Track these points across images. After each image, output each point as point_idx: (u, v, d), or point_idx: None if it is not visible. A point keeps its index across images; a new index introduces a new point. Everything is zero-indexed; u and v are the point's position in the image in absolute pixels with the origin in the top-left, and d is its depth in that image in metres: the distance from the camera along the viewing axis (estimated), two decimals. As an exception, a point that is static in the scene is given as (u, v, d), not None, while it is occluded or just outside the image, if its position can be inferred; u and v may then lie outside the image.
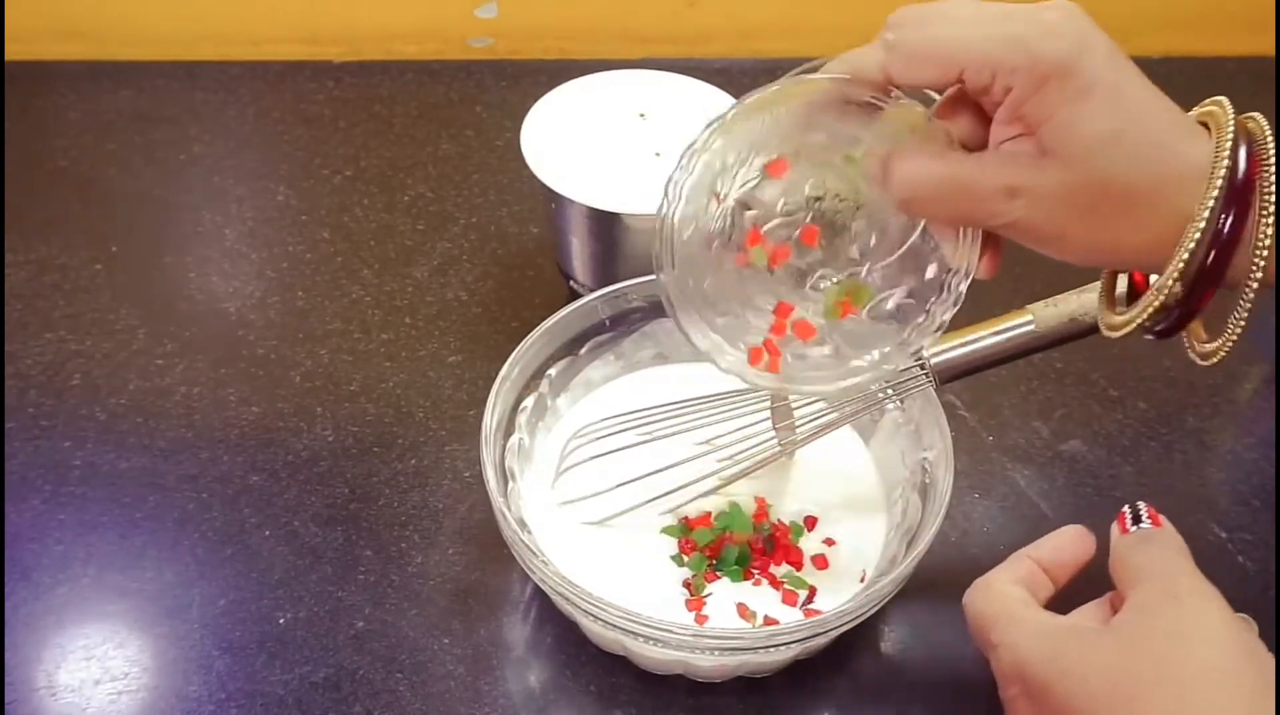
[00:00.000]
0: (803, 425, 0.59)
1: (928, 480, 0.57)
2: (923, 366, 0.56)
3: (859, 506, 0.60)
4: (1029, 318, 0.55)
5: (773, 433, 0.59)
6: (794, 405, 0.60)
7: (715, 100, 0.70)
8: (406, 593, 0.60)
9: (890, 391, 0.58)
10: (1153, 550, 0.44)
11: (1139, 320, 0.43)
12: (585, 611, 0.51)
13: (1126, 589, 0.43)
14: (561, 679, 0.57)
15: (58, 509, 0.63)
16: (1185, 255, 0.40)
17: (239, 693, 0.56)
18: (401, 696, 0.56)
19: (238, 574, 0.60)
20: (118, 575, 0.60)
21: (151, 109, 0.88)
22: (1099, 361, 0.73)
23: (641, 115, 0.69)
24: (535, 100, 0.70)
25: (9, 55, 0.90)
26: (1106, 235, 0.41)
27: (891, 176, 0.43)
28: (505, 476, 0.57)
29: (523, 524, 0.55)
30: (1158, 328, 0.43)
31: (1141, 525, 0.45)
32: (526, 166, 0.66)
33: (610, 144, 0.68)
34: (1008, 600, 0.46)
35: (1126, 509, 0.46)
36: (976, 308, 0.69)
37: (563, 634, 0.58)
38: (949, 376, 0.56)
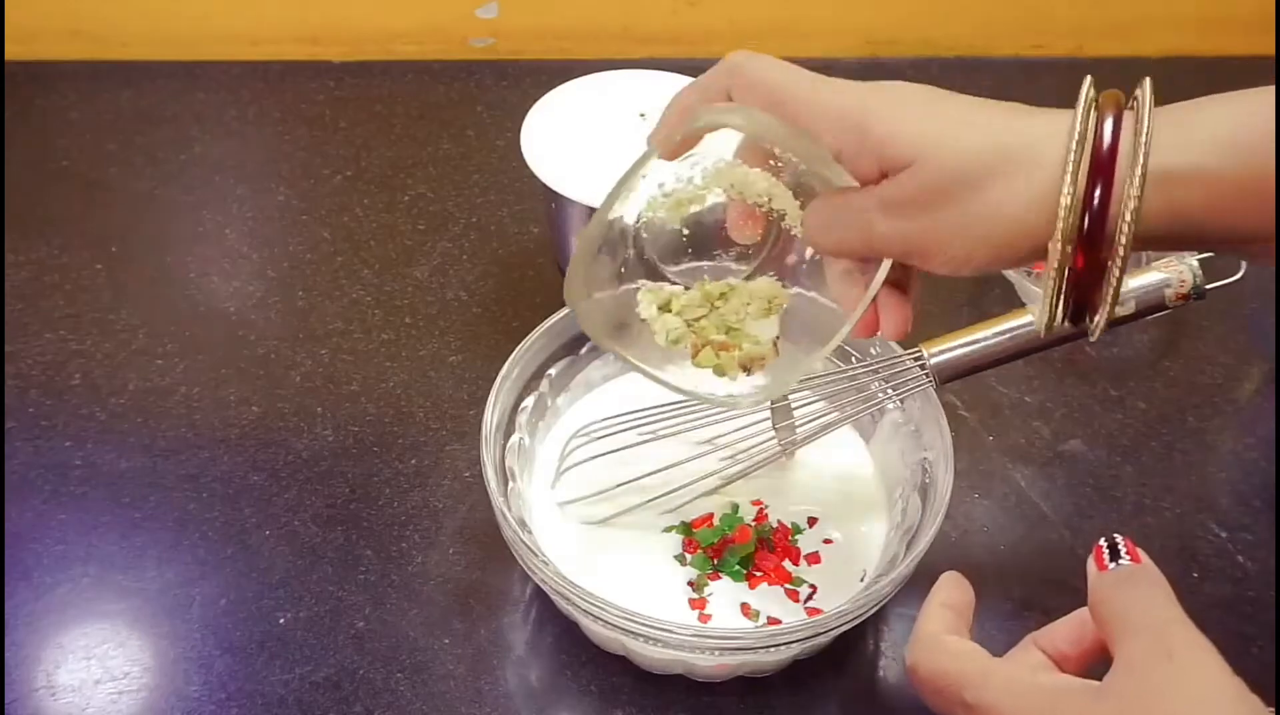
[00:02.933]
0: (803, 425, 0.59)
1: (928, 480, 0.57)
2: (922, 366, 0.56)
3: (859, 506, 0.60)
4: (1029, 318, 0.55)
5: (773, 433, 0.59)
6: (794, 405, 0.60)
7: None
8: (407, 593, 0.60)
9: (891, 391, 0.58)
10: (1138, 594, 0.40)
11: (1048, 297, 0.41)
12: (585, 611, 0.51)
13: (1112, 639, 0.40)
14: (561, 679, 0.57)
15: (58, 509, 0.63)
16: (1061, 221, 0.39)
17: (239, 693, 0.56)
18: (402, 696, 0.56)
19: (238, 574, 0.60)
20: (118, 575, 0.60)
21: (152, 109, 0.88)
22: (1099, 361, 0.73)
23: (641, 115, 0.69)
24: (535, 100, 0.70)
25: (9, 55, 0.90)
26: (976, 222, 0.40)
27: (805, 216, 0.46)
28: (505, 476, 0.57)
29: (523, 524, 0.55)
30: (1070, 313, 0.42)
31: (1120, 561, 0.41)
32: (526, 166, 0.66)
33: (610, 144, 0.68)
34: (972, 655, 0.43)
35: (1103, 542, 0.42)
36: (977, 308, 0.69)
37: (563, 634, 0.58)
38: (949, 376, 0.56)
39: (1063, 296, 0.41)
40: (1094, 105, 0.40)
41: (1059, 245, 0.39)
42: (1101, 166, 0.38)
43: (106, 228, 0.79)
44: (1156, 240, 0.40)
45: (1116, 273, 0.39)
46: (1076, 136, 0.39)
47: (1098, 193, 0.38)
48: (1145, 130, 0.38)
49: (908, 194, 0.41)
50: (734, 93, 0.45)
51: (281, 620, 0.58)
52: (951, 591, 0.47)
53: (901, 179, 0.41)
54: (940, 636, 0.44)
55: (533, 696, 0.57)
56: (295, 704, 0.55)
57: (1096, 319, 0.41)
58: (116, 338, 0.72)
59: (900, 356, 0.57)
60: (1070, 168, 0.38)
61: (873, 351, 0.61)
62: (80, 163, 0.84)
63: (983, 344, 0.55)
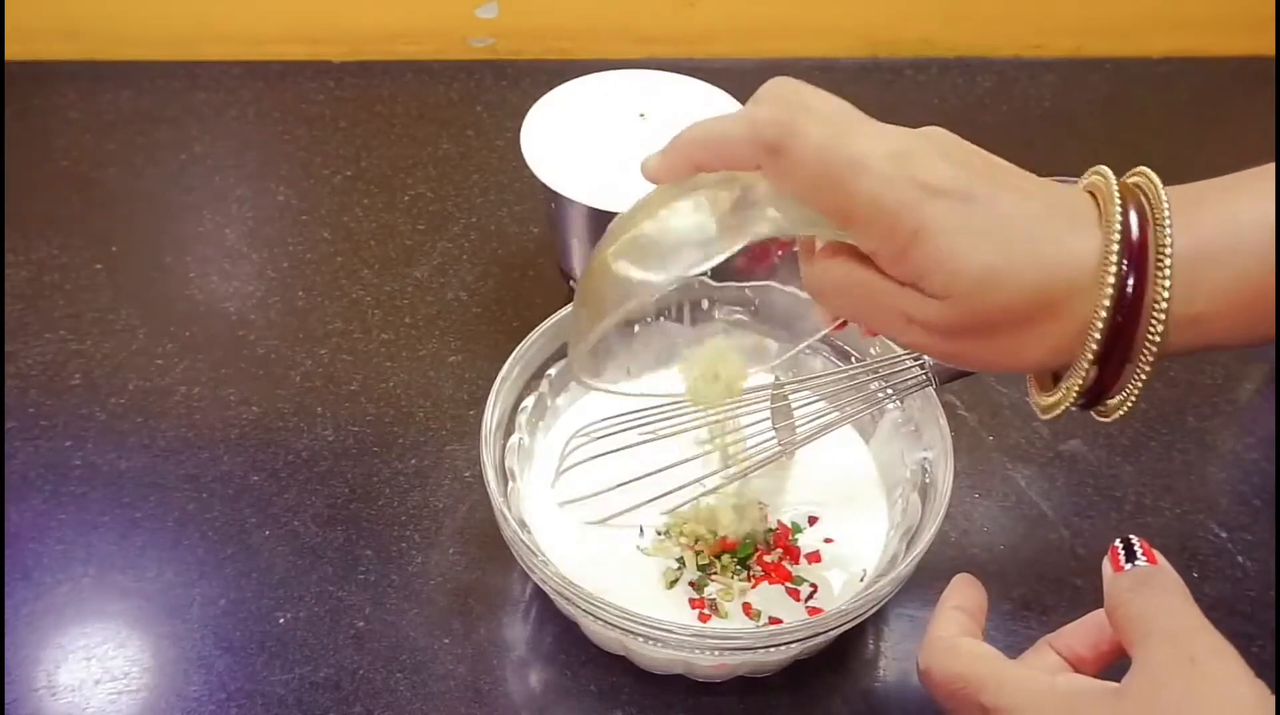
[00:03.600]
0: (803, 425, 0.59)
1: (928, 480, 0.57)
2: (922, 366, 0.56)
3: (859, 506, 0.60)
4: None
5: (773, 433, 0.59)
6: (794, 405, 0.60)
7: (715, 100, 0.70)
8: (407, 592, 0.60)
9: (890, 391, 0.58)
10: (1155, 596, 0.40)
11: (1065, 403, 0.42)
12: (585, 611, 0.51)
13: (1131, 642, 0.39)
14: (561, 679, 0.57)
15: (58, 508, 0.63)
16: (1096, 336, 0.39)
17: (239, 692, 0.56)
18: (401, 696, 0.56)
19: (238, 574, 0.60)
20: (118, 575, 0.60)
21: (152, 109, 0.88)
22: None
23: (641, 115, 0.69)
24: (535, 100, 0.70)
25: (9, 55, 0.90)
26: (1005, 356, 0.41)
27: (806, 265, 0.44)
28: (505, 476, 0.57)
29: (523, 524, 0.55)
30: (1083, 403, 0.42)
31: (1137, 562, 0.41)
32: (526, 166, 0.66)
33: (610, 144, 0.68)
34: (988, 658, 0.42)
35: (1119, 543, 0.42)
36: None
37: (563, 634, 0.58)
38: (949, 376, 0.56)
39: (1077, 397, 0.42)
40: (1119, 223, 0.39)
41: (1085, 367, 0.40)
42: (1128, 306, 0.39)
43: (106, 228, 0.79)
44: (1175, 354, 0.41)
45: (1143, 373, 0.40)
46: (1112, 280, 0.39)
47: (1129, 292, 0.39)
48: (1167, 275, 0.39)
49: (947, 322, 0.40)
50: (770, 168, 0.41)
51: (281, 620, 0.58)
52: (964, 594, 0.47)
53: (943, 308, 0.40)
54: (954, 639, 0.44)
55: (533, 696, 0.57)
56: (295, 704, 0.55)
57: (1115, 404, 0.42)
58: (116, 338, 0.72)
59: (900, 356, 0.57)
60: (1105, 309, 0.39)
61: (873, 351, 0.61)
62: (80, 163, 0.84)
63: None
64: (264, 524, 0.62)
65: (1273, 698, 0.37)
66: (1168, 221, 0.39)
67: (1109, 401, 0.42)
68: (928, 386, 0.56)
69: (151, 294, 0.75)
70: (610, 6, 0.94)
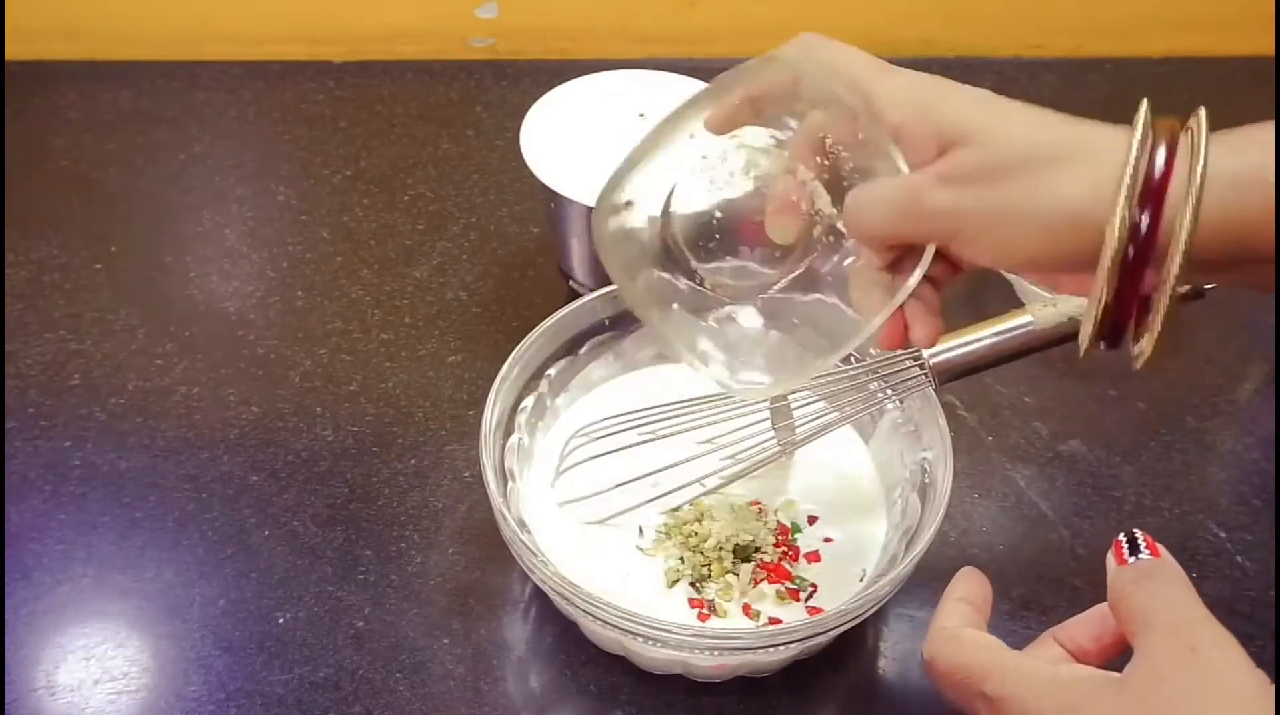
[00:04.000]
0: (803, 425, 0.59)
1: (927, 480, 0.57)
2: (922, 366, 0.56)
3: (858, 506, 0.60)
4: (1029, 318, 0.55)
5: (773, 433, 0.59)
6: (794, 405, 0.60)
7: (715, 100, 0.70)
8: (406, 593, 0.60)
9: (890, 391, 0.58)
10: (1158, 589, 0.41)
11: (1088, 329, 0.41)
12: (585, 611, 0.51)
13: (1134, 634, 0.40)
14: (561, 679, 0.57)
15: (58, 508, 0.63)
16: (1114, 244, 0.37)
17: (239, 693, 0.56)
18: (401, 696, 0.56)
19: (238, 574, 0.60)
20: (118, 575, 0.60)
21: (152, 109, 0.88)
22: (1099, 361, 0.72)
23: (641, 115, 0.69)
24: (535, 100, 0.70)
25: (9, 55, 0.90)
26: (1037, 203, 0.39)
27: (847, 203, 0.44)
28: (505, 476, 0.57)
29: (522, 524, 0.55)
30: (1106, 336, 0.41)
31: (1140, 555, 0.42)
32: (526, 166, 0.66)
33: (610, 144, 0.67)
34: (991, 648, 0.43)
35: (1123, 537, 0.43)
36: (977, 308, 0.69)
37: (563, 634, 0.58)
38: (949, 376, 0.56)
39: (1105, 318, 0.40)
40: (1150, 127, 0.38)
41: (1109, 263, 0.38)
42: (1154, 190, 0.37)
43: (106, 228, 0.79)
44: (1206, 260, 0.38)
45: (1166, 298, 0.38)
46: (1135, 150, 0.37)
47: (1146, 216, 0.37)
48: (1202, 147, 0.37)
49: (967, 168, 0.40)
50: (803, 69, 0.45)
51: (281, 620, 0.58)
52: (969, 586, 0.47)
53: (961, 154, 0.40)
54: (958, 629, 0.44)
55: (532, 696, 0.57)
56: (295, 704, 0.55)
57: (1141, 345, 0.40)
58: (116, 338, 0.72)
59: (899, 356, 0.57)
60: (1126, 184, 0.37)
61: (872, 352, 0.61)
62: (80, 163, 0.84)
63: (982, 344, 0.55)
64: (264, 524, 0.62)
65: (1273, 687, 0.37)
66: (1204, 127, 0.38)
67: (1138, 345, 0.41)
68: (927, 386, 0.56)
69: (151, 294, 0.75)
70: (610, 6, 0.94)
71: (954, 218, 0.40)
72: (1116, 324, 0.40)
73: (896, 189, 0.42)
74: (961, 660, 0.43)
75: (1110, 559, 0.42)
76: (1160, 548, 0.42)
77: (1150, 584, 0.41)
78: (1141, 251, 0.37)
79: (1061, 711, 0.39)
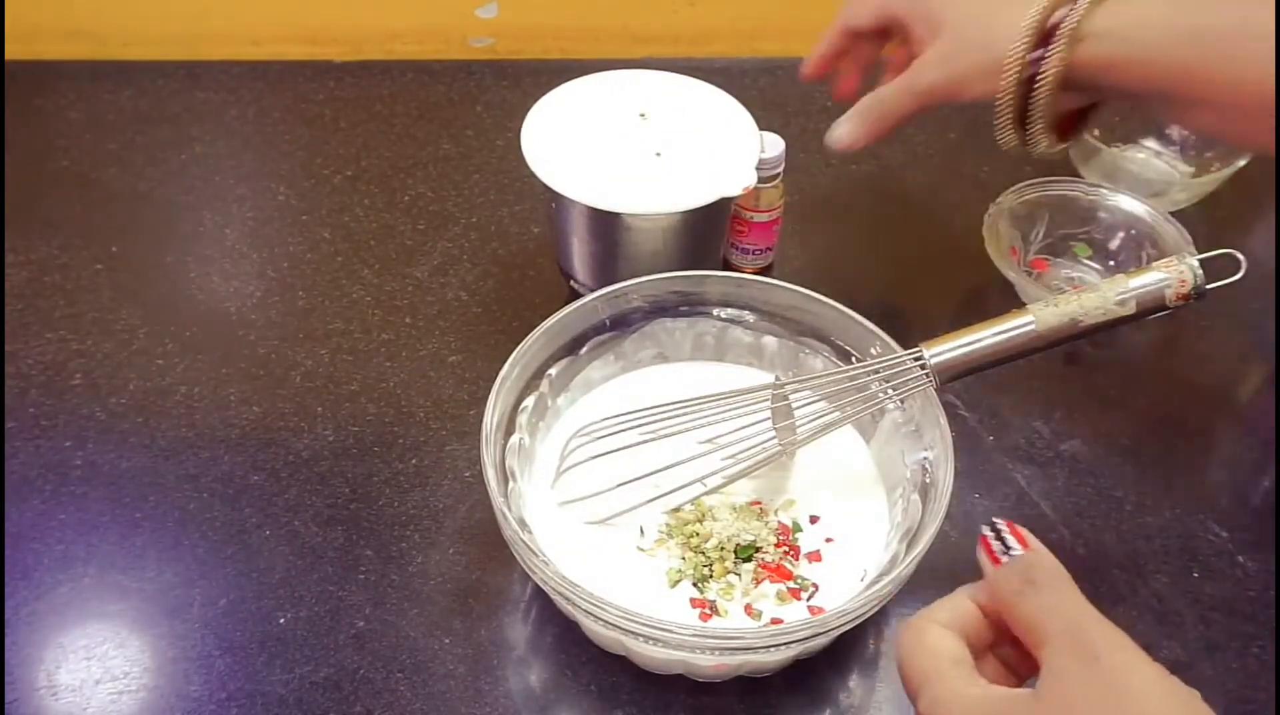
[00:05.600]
0: (803, 425, 0.59)
1: (928, 480, 0.57)
2: (923, 366, 0.56)
3: (859, 506, 0.60)
4: (1029, 318, 0.55)
5: (773, 432, 0.59)
6: (794, 405, 0.60)
7: (715, 100, 0.70)
8: (407, 593, 0.60)
9: (891, 391, 0.58)
10: (1044, 599, 0.40)
11: (1002, 122, 0.61)
12: (585, 611, 0.51)
13: (1032, 645, 0.40)
14: (561, 679, 0.57)
15: (58, 509, 0.63)
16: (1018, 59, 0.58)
17: (239, 692, 0.56)
18: (402, 696, 0.56)
19: (238, 574, 0.60)
20: (118, 575, 0.60)
21: (152, 109, 0.88)
22: (1099, 361, 0.73)
23: (641, 115, 0.69)
24: (535, 100, 0.70)
25: (9, 55, 0.90)
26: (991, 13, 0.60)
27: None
28: (506, 476, 0.57)
29: (523, 524, 0.55)
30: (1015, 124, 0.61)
31: (1011, 551, 0.41)
32: (526, 166, 0.66)
33: (610, 144, 0.68)
34: (939, 656, 0.42)
35: (989, 532, 0.42)
36: (977, 308, 0.69)
37: (563, 634, 0.58)
38: (949, 376, 0.56)
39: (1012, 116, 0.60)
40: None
41: (1010, 75, 0.59)
42: (1046, 33, 0.58)
43: (106, 228, 0.79)
44: (1080, 82, 0.58)
45: (1043, 95, 0.58)
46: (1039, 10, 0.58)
47: (1040, 51, 0.58)
48: (1082, 7, 0.57)
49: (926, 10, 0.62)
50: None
51: (281, 620, 0.58)
52: (980, 594, 0.45)
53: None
54: (925, 628, 0.43)
55: (533, 696, 0.57)
56: (295, 704, 0.55)
57: (1035, 133, 0.60)
58: (116, 338, 0.72)
59: (900, 356, 0.57)
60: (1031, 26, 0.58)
61: (873, 352, 0.61)
62: (80, 163, 0.84)
63: (983, 344, 0.55)
64: (264, 524, 0.62)
65: (1174, 681, 0.37)
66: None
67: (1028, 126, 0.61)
68: (928, 386, 0.56)
69: (152, 294, 0.75)
70: (610, 6, 0.94)
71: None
72: (1019, 114, 0.60)
73: (892, 88, 0.64)
74: (907, 658, 0.42)
75: (983, 557, 0.42)
76: (1028, 537, 0.42)
77: (1034, 593, 0.40)
78: (1034, 68, 0.58)
79: None
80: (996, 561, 0.42)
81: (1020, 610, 0.40)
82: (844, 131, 0.65)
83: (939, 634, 0.43)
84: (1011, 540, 0.42)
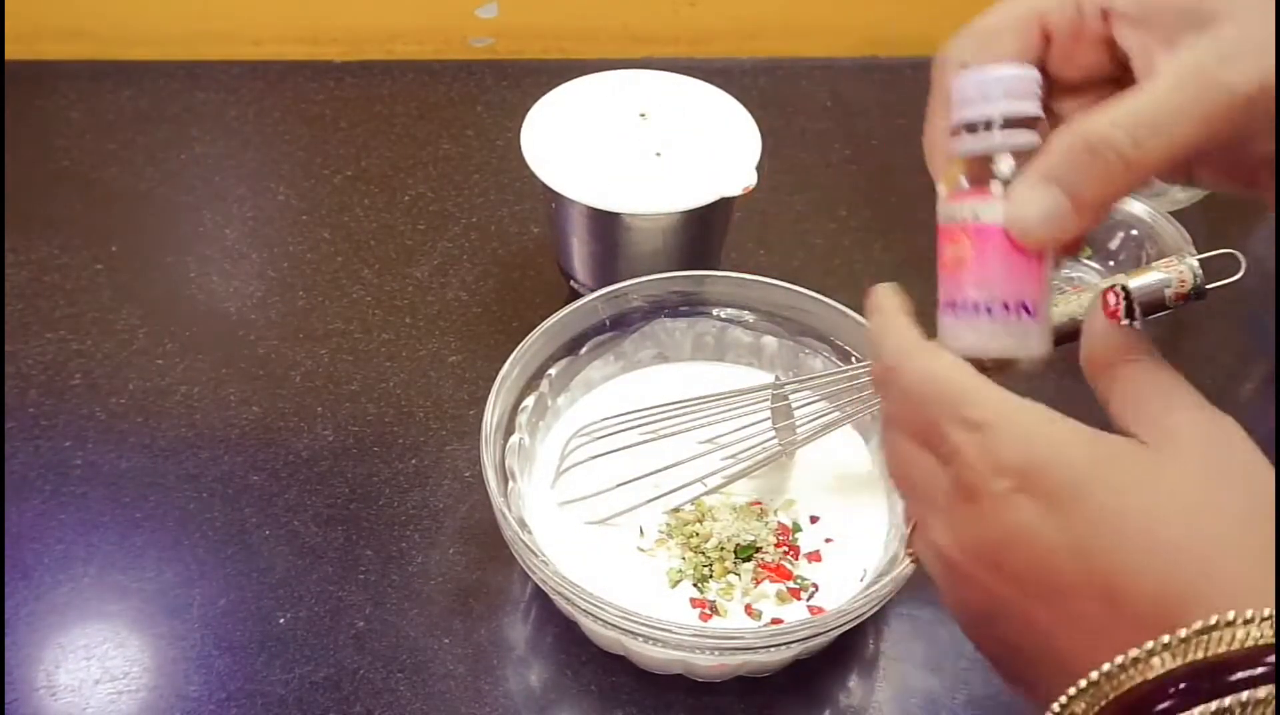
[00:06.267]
0: (803, 425, 0.59)
1: (928, 480, 0.57)
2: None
3: (859, 506, 0.60)
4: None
5: (773, 432, 0.59)
6: (794, 405, 0.60)
7: (715, 100, 0.70)
8: (407, 593, 0.60)
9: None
10: (1172, 384, 0.34)
11: None
12: (585, 611, 0.51)
13: (1136, 409, 0.34)
14: (561, 679, 0.57)
15: (58, 509, 0.63)
16: None
17: (239, 692, 0.56)
18: (402, 696, 0.56)
19: (238, 574, 0.60)
20: (118, 575, 0.60)
21: (152, 109, 0.88)
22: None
23: (641, 115, 0.69)
24: (535, 100, 0.70)
25: (9, 55, 0.90)
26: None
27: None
28: (505, 476, 0.57)
29: (523, 524, 0.55)
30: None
31: (1135, 323, 0.35)
32: (526, 166, 0.66)
33: (610, 144, 0.68)
34: (970, 369, 0.35)
35: (1120, 290, 0.36)
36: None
37: (563, 634, 0.58)
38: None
39: None
40: None
41: None
42: None
43: (106, 228, 0.79)
44: None
45: None
46: None
47: None
48: None
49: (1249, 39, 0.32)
50: None
51: (281, 620, 0.58)
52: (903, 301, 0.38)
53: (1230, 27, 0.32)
54: (932, 345, 0.36)
55: (533, 696, 0.57)
56: (295, 704, 0.55)
57: None
58: (116, 338, 0.72)
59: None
60: None
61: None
62: (80, 163, 0.84)
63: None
64: (264, 524, 0.62)
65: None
66: None
67: None
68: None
69: (151, 294, 0.75)
70: (610, 6, 0.94)
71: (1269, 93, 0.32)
72: None
73: (1186, 83, 0.33)
74: (935, 373, 0.35)
75: (1097, 310, 0.36)
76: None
77: (1158, 365, 0.34)
78: None
79: (1091, 455, 0.32)
80: (1116, 319, 0.35)
81: (1138, 376, 0.34)
82: (1038, 210, 0.35)
83: (936, 352, 0.36)
84: (1139, 314, 0.35)
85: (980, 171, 0.35)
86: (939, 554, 0.35)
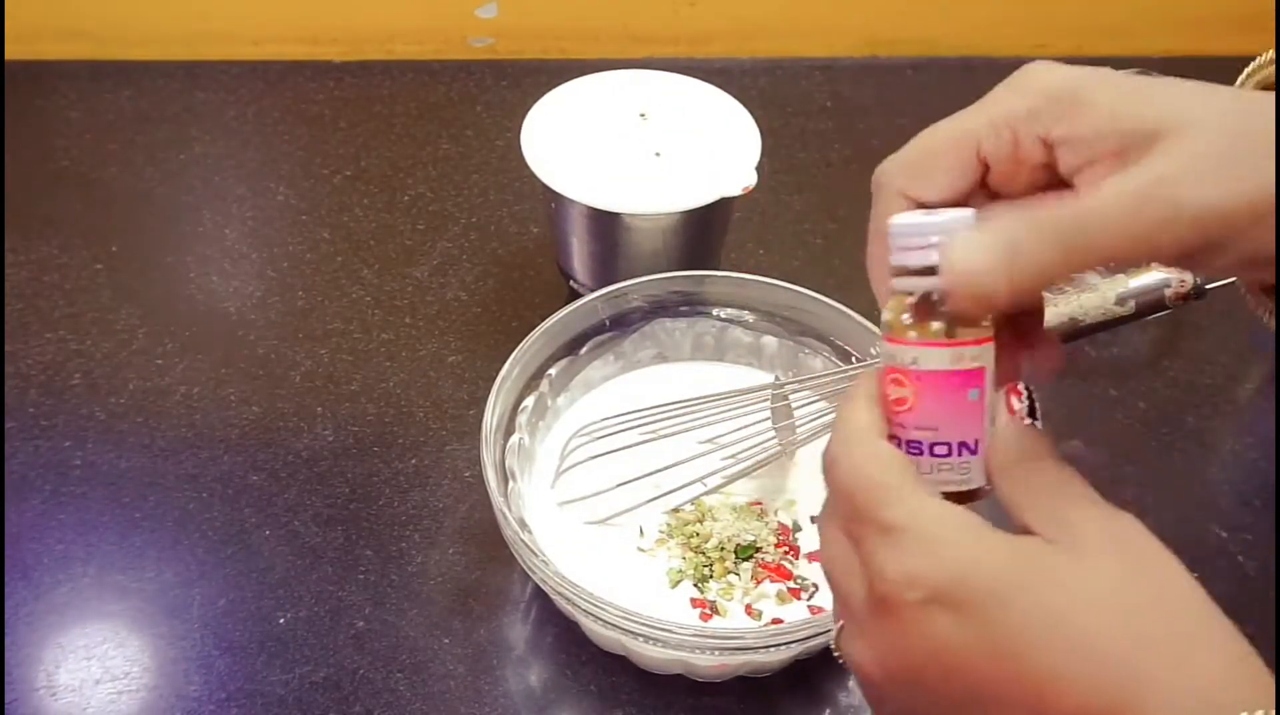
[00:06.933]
0: (803, 425, 0.59)
1: (928, 480, 0.57)
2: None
3: (859, 506, 0.60)
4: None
5: (773, 432, 0.59)
6: (794, 405, 0.60)
7: (715, 100, 0.70)
8: (407, 592, 0.60)
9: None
10: (1066, 473, 0.35)
11: None
12: (585, 611, 0.51)
13: (1035, 512, 0.34)
14: (561, 679, 0.57)
15: (58, 509, 0.63)
16: None
17: (239, 692, 0.56)
18: (401, 696, 0.56)
19: (238, 574, 0.60)
20: (118, 575, 0.60)
21: (152, 109, 0.88)
22: (1099, 361, 0.73)
23: (641, 115, 0.69)
24: (535, 100, 0.70)
25: (9, 55, 0.90)
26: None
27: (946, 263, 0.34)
28: (505, 476, 0.57)
29: (523, 524, 0.55)
30: None
31: (1037, 422, 0.35)
32: (526, 166, 0.66)
33: (610, 144, 0.68)
34: (904, 468, 0.35)
35: (1023, 390, 0.36)
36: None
37: (563, 634, 0.58)
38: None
39: None
40: None
41: None
42: None
43: (106, 228, 0.79)
44: None
45: None
46: None
47: None
48: None
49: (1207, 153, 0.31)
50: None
51: (281, 620, 0.58)
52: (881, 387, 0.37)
53: (1183, 144, 0.31)
54: (877, 438, 0.36)
55: (533, 696, 0.57)
56: (295, 704, 0.55)
57: None
58: (116, 338, 0.72)
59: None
60: None
61: (873, 352, 0.61)
62: (80, 163, 0.84)
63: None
64: (264, 524, 0.62)
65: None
66: None
67: None
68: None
69: (151, 294, 0.75)
70: (610, 6, 0.94)
71: (1220, 215, 0.31)
72: None
73: (1136, 195, 0.32)
74: (871, 465, 0.35)
75: (1001, 408, 0.36)
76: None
77: (1056, 467, 0.34)
78: None
79: (1008, 561, 0.32)
80: (1016, 416, 0.35)
81: (1041, 476, 0.34)
82: (983, 257, 0.33)
83: (890, 448, 0.35)
84: (1039, 413, 0.36)
85: (920, 311, 0.35)
86: (858, 668, 0.35)
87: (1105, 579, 0.32)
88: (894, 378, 0.36)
